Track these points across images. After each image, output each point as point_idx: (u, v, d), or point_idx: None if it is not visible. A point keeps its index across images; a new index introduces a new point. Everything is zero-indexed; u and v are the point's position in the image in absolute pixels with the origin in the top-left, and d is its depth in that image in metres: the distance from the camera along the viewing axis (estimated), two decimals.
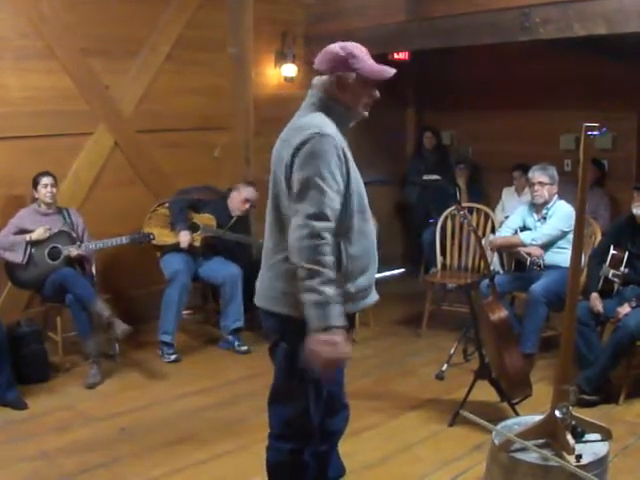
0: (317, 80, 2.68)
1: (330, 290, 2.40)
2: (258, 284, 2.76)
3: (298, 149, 2.51)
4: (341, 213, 2.53)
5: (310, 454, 2.85)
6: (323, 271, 2.41)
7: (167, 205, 5.54)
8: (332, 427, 2.92)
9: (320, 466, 2.93)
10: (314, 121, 2.59)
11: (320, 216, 2.43)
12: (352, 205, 2.58)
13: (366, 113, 2.72)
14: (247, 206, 5.60)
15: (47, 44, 5.40)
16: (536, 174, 5.04)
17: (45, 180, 5.00)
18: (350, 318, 2.68)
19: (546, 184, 4.99)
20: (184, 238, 5.37)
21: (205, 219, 5.54)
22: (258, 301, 2.74)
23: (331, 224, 2.46)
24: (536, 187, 5.03)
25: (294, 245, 2.45)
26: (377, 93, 2.71)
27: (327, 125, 2.57)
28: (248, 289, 5.54)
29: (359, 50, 2.66)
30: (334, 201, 2.48)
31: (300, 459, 2.81)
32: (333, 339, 2.39)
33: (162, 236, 5.45)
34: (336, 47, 2.66)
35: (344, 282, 2.57)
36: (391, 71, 2.64)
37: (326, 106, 2.65)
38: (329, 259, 2.43)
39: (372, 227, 2.72)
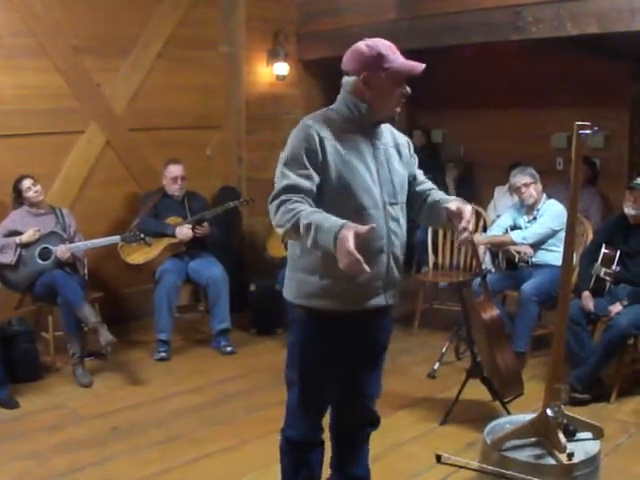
0: (345, 80, 2.61)
1: (302, 218, 2.32)
2: None
3: None
4: (317, 204, 2.44)
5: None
6: (292, 217, 2.34)
7: (132, 234, 5.20)
8: (362, 432, 3.05)
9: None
10: (310, 114, 2.63)
11: (277, 195, 2.43)
12: (327, 199, 2.49)
13: (398, 109, 2.64)
14: (179, 183, 5.51)
15: (39, 42, 5.38)
16: (518, 177, 5.08)
17: (26, 183, 4.96)
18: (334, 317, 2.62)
19: (530, 183, 5.02)
20: (184, 231, 5.35)
21: (173, 221, 5.47)
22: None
23: (286, 195, 2.40)
24: (522, 189, 5.05)
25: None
26: (408, 89, 2.60)
27: (316, 116, 2.58)
28: (234, 290, 5.57)
29: (386, 47, 2.55)
30: (298, 184, 2.42)
31: (301, 456, 2.84)
32: (340, 246, 2.20)
33: (146, 254, 5.39)
34: (363, 46, 2.56)
35: (328, 279, 2.56)
36: (421, 66, 2.53)
37: (345, 104, 2.60)
38: (296, 209, 2.35)
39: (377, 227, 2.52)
